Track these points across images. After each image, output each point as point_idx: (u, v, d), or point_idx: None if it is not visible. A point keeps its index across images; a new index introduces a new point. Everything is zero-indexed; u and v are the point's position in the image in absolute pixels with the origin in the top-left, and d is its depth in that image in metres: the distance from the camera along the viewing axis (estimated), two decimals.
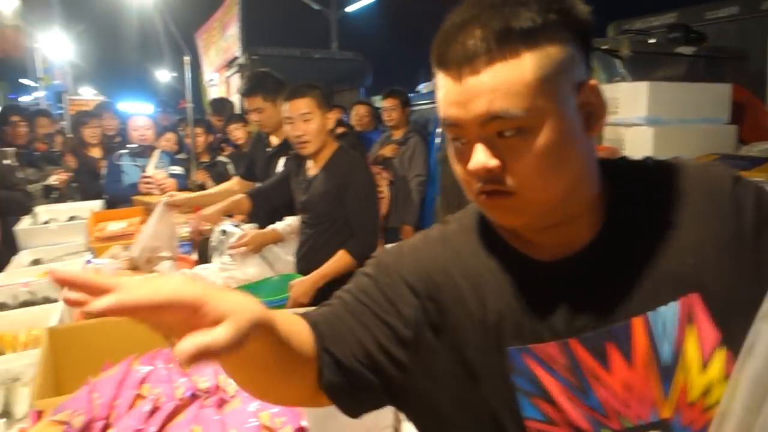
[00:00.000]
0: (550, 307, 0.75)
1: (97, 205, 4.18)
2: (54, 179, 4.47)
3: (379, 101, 9.12)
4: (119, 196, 4.26)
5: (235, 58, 8.10)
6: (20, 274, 2.96)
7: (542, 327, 0.75)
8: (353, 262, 2.52)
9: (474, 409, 0.78)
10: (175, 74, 23.62)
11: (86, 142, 5.05)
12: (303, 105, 2.53)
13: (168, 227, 2.93)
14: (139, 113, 5.22)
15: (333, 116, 2.62)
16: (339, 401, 0.81)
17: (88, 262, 2.93)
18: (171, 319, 0.58)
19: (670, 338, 0.72)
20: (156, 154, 4.38)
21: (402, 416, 1.36)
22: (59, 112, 11.50)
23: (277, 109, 2.95)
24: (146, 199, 4.00)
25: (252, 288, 2.62)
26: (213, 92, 9.92)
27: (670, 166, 0.82)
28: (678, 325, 0.72)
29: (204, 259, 2.96)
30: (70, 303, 0.57)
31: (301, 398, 0.85)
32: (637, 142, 3.18)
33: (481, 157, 0.69)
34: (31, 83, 19.84)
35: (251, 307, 0.61)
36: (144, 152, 4.33)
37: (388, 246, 0.94)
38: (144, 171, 4.25)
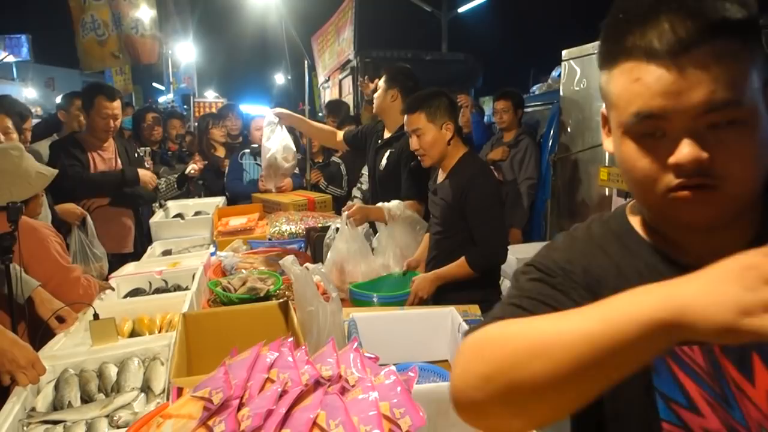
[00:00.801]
0: None
1: (220, 201, 4.45)
2: (190, 168, 4.79)
3: (488, 102, 9.03)
4: (240, 193, 4.51)
5: (348, 61, 8.32)
6: (154, 263, 3.23)
7: None
8: (471, 272, 2.48)
9: (615, 403, 0.79)
10: (289, 77, 24.59)
11: (212, 142, 5.38)
12: (413, 121, 2.57)
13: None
14: (261, 115, 5.50)
15: (451, 126, 2.55)
16: None
17: (212, 254, 3.13)
18: None
19: None
20: None
21: None
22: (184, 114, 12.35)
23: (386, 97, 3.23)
24: (265, 196, 4.22)
25: (375, 283, 2.69)
26: (326, 95, 10.26)
27: None
28: None
29: (318, 255, 3.07)
30: None
31: None
32: None
33: (692, 149, 0.67)
34: (161, 87, 21.45)
35: None
36: (260, 152, 4.55)
37: (539, 251, 0.96)
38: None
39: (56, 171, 2.51)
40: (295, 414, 1.01)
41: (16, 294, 2.06)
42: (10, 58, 18.82)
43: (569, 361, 0.59)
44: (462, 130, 2.77)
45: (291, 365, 1.13)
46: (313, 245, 3.21)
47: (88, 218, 3.42)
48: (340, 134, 3.78)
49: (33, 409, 1.63)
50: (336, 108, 5.91)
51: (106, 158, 3.75)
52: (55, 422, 1.56)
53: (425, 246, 2.85)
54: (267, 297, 2.39)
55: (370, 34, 9.49)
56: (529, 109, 5.36)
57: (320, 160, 5.07)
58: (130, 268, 3.08)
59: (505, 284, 3.38)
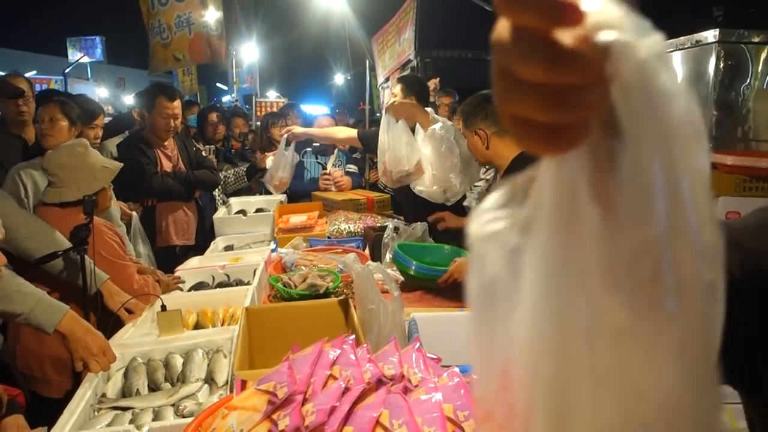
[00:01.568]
0: None
1: (281, 198, 4.52)
2: (260, 158, 4.88)
3: None
4: (301, 191, 4.57)
5: (409, 61, 8.31)
6: (216, 257, 3.31)
7: None
8: None
9: None
10: (349, 77, 24.82)
11: (274, 141, 5.48)
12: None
13: None
14: (323, 114, 5.56)
15: (485, 130, 2.65)
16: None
17: (273, 250, 3.18)
18: None
19: None
20: (335, 152, 4.64)
21: None
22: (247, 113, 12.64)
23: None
24: (324, 195, 4.26)
25: (419, 250, 2.71)
26: (385, 95, 10.28)
27: None
28: None
29: (377, 255, 3.08)
30: None
31: None
32: None
33: None
34: (225, 87, 22.02)
35: None
36: (325, 150, 4.59)
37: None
38: (324, 168, 4.52)
39: (121, 165, 2.61)
40: (357, 412, 1.00)
41: (89, 285, 2.15)
42: (86, 59, 19.67)
43: None
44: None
45: (353, 363, 1.13)
46: (371, 244, 3.22)
47: (135, 217, 3.54)
48: (345, 132, 4.05)
49: (104, 395, 1.69)
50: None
51: (170, 155, 3.87)
52: (124, 409, 1.61)
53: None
54: (327, 294, 2.41)
55: (430, 34, 9.46)
56: None
57: None
58: (194, 262, 3.16)
59: None
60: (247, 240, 3.78)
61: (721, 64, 3.07)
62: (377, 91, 10.91)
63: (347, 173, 4.46)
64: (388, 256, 2.89)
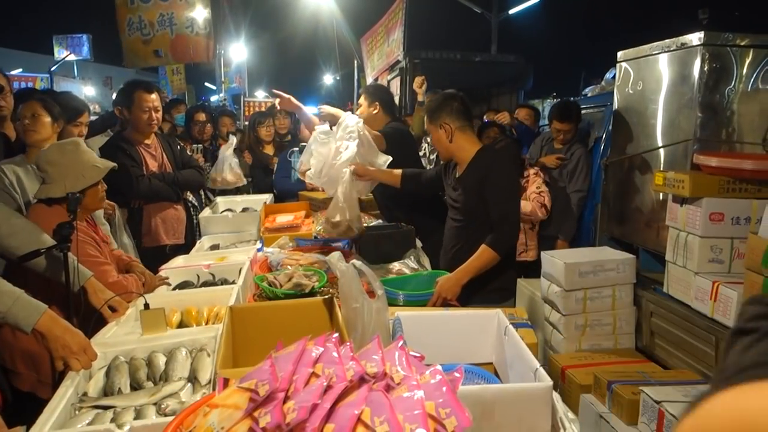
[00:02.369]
0: None
1: (268, 198, 4.51)
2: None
3: (538, 105, 8.88)
4: (287, 191, 4.56)
5: (397, 62, 8.32)
6: (202, 257, 3.29)
7: None
8: (495, 256, 2.68)
9: None
10: (338, 78, 24.81)
11: (261, 140, 5.46)
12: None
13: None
14: (311, 113, 5.55)
15: (449, 125, 2.86)
16: None
17: (259, 250, 3.17)
18: None
19: None
20: None
21: (562, 418, 1.33)
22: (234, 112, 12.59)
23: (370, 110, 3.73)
24: (311, 194, 4.25)
25: (400, 281, 2.70)
26: None
27: None
28: None
29: (363, 254, 3.08)
30: None
31: None
32: None
33: None
34: (213, 87, 21.92)
35: None
36: None
37: None
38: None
39: (112, 164, 2.59)
40: (339, 409, 1.00)
41: (72, 283, 2.13)
42: (72, 57, 19.53)
43: None
44: (473, 128, 3.05)
45: (336, 361, 1.13)
46: (359, 243, 3.22)
47: (117, 211, 3.51)
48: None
49: (85, 394, 1.68)
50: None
51: (154, 154, 3.83)
52: (106, 407, 1.59)
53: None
54: (312, 293, 2.40)
55: (419, 35, 9.48)
56: (581, 112, 5.26)
57: None
58: (179, 261, 3.14)
59: (552, 289, 3.31)
60: (233, 239, 3.77)
61: (706, 67, 3.09)
62: None
63: None
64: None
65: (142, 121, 3.69)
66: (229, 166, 4.80)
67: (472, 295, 2.70)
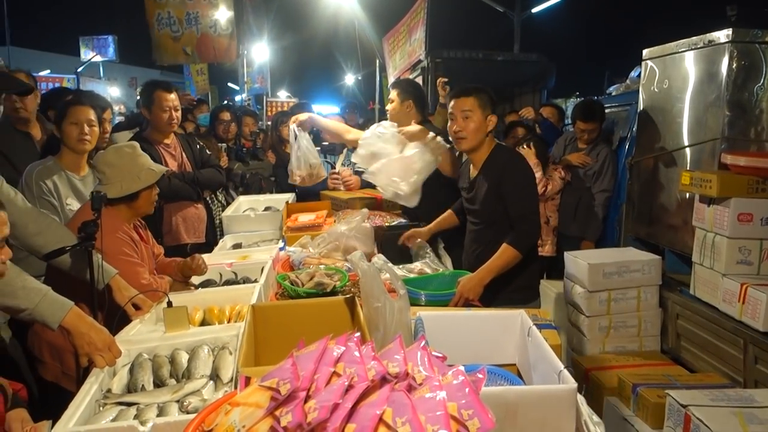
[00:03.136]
0: None
1: (289, 197, 4.52)
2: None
3: (561, 104, 8.78)
4: (309, 190, 4.56)
5: (419, 62, 8.29)
6: (224, 255, 3.31)
7: None
8: (517, 254, 2.65)
9: None
10: (360, 77, 24.86)
11: (284, 140, 5.47)
12: (466, 103, 2.78)
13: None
14: (332, 113, 5.57)
15: (494, 119, 2.80)
16: None
17: (281, 249, 3.18)
18: None
19: None
20: (344, 151, 4.63)
21: (586, 421, 1.31)
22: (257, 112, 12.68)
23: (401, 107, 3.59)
24: (333, 194, 4.26)
25: (422, 281, 2.69)
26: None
27: None
28: None
29: (385, 253, 3.07)
30: None
31: None
32: None
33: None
34: (236, 87, 22.10)
35: None
36: (334, 149, 4.59)
37: None
38: (333, 167, 4.51)
39: (165, 168, 2.69)
40: (360, 409, 0.99)
41: (96, 280, 2.15)
42: (98, 58, 19.83)
43: None
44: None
45: (358, 360, 1.12)
46: (380, 243, 3.22)
47: None
48: (354, 133, 4.05)
49: (109, 391, 1.69)
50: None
51: (174, 154, 3.86)
52: (129, 404, 1.61)
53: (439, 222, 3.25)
54: (333, 292, 2.40)
55: (441, 34, 9.45)
56: (606, 111, 5.19)
57: None
58: None
59: (576, 290, 3.27)
60: (256, 238, 3.78)
61: (734, 64, 3.03)
62: (388, 91, 10.90)
63: (356, 172, 4.45)
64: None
65: (162, 121, 3.72)
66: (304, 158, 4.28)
67: (495, 295, 2.67)
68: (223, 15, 6.57)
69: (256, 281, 2.66)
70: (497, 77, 7.52)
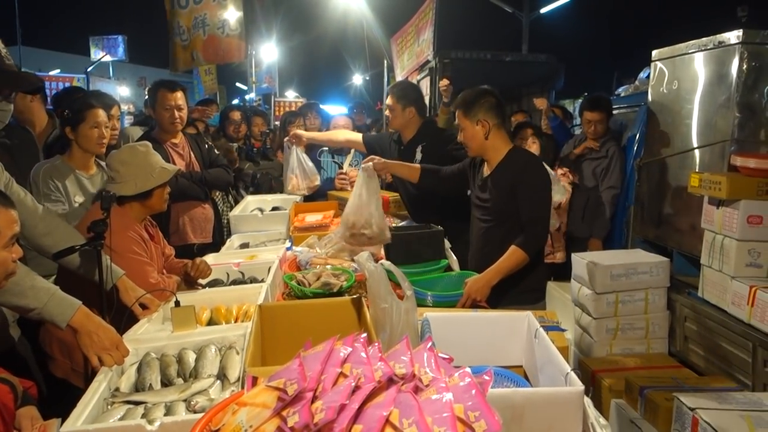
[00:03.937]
0: None
1: (297, 197, 4.53)
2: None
3: (569, 105, 8.76)
4: (317, 191, 4.57)
5: (427, 62, 8.28)
6: (232, 255, 3.32)
7: None
8: (525, 257, 2.67)
9: None
10: (368, 78, 24.87)
11: None
12: (458, 117, 2.90)
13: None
14: (340, 114, 5.58)
15: (487, 123, 2.81)
16: None
17: (288, 249, 3.19)
18: None
19: None
20: (352, 152, 4.63)
21: (593, 424, 1.31)
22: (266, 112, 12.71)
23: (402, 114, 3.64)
24: (340, 194, 4.26)
25: (429, 282, 2.68)
26: None
27: None
28: None
29: (392, 254, 3.07)
30: None
31: None
32: None
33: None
34: (244, 87, 22.15)
35: None
36: (342, 150, 4.59)
37: None
38: (340, 167, 4.52)
39: (178, 168, 2.74)
40: (367, 410, 0.99)
41: (105, 281, 2.16)
42: (107, 58, 19.91)
43: None
44: (506, 127, 3.08)
45: (364, 361, 1.12)
46: (387, 244, 3.21)
47: None
48: (345, 134, 4.24)
49: (117, 389, 1.70)
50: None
51: (182, 153, 3.87)
52: (137, 403, 1.62)
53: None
54: (340, 293, 2.40)
55: (450, 35, 9.43)
56: (614, 112, 5.17)
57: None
58: (209, 259, 3.17)
59: (583, 291, 3.26)
60: (263, 238, 3.79)
61: (745, 66, 3.02)
62: None
63: None
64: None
65: (165, 120, 3.73)
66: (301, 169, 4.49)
67: (502, 296, 2.67)
68: (232, 15, 6.58)
69: (263, 281, 2.67)
70: (505, 78, 7.50)
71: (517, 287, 2.74)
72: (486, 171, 2.92)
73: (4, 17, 20.74)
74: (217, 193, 4.32)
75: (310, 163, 4.43)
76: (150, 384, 1.72)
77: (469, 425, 0.94)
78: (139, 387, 1.72)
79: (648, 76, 4.19)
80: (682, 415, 2.17)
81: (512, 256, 2.66)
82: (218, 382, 1.73)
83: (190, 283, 2.68)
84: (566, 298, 3.63)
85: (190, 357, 1.85)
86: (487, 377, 1.10)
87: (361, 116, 7.28)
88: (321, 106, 7.15)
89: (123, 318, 2.10)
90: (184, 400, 1.61)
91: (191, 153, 3.91)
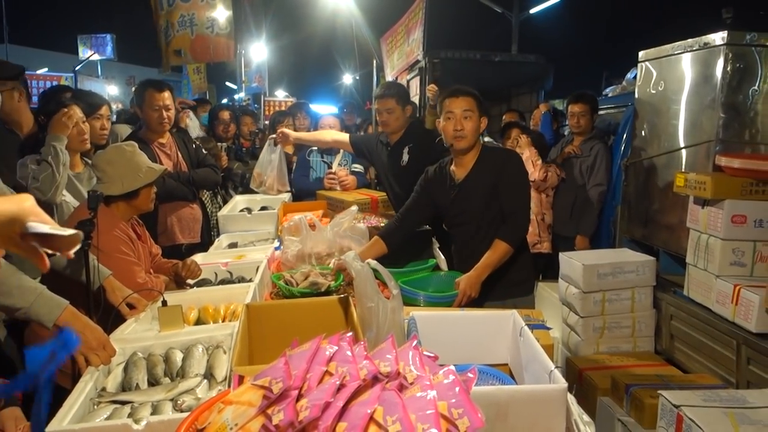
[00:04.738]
0: None
1: (286, 197, 4.53)
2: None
3: (559, 105, 8.81)
4: (306, 190, 4.57)
5: (417, 62, 8.30)
6: (220, 254, 3.31)
7: None
8: (509, 248, 2.68)
9: None
10: (357, 77, 24.85)
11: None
12: (467, 103, 2.77)
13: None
14: (329, 113, 5.58)
15: (486, 121, 2.84)
16: None
17: (276, 248, 3.19)
18: None
19: None
20: (341, 152, 4.64)
21: (576, 421, 1.32)
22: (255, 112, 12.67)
23: (403, 114, 3.66)
24: (329, 193, 4.26)
25: (420, 282, 2.69)
26: None
27: None
28: None
29: None
30: None
31: None
32: None
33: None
34: (234, 86, 22.09)
35: None
36: (331, 149, 4.59)
37: None
38: (329, 167, 4.52)
39: (165, 167, 2.72)
40: (352, 408, 1.00)
41: (92, 281, 2.15)
42: (96, 57, 19.80)
43: None
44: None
45: (350, 359, 1.13)
46: None
47: None
48: (331, 134, 4.28)
49: (103, 389, 1.70)
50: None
51: (169, 153, 3.84)
52: (123, 402, 1.62)
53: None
54: (328, 292, 2.41)
55: (439, 35, 9.43)
56: (602, 112, 5.20)
57: None
58: (197, 259, 3.16)
59: (570, 290, 3.29)
60: (251, 237, 3.79)
61: (730, 67, 3.05)
62: None
63: (352, 173, 4.46)
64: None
65: (153, 120, 3.70)
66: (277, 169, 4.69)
67: (490, 289, 2.67)
68: (221, 14, 6.58)
69: (251, 281, 2.67)
70: (495, 78, 7.52)
71: (507, 280, 2.75)
72: (459, 173, 2.85)
73: None
74: (206, 193, 4.30)
75: (285, 169, 4.62)
76: (137, 384, 1.72)
77: (453, 422, 0.96)
78: (125, 386, 1.72)
79: (635, 77, 4.22)
80: (667, 412, 2.20)
81: (497, 249, 2.66)
82: (205, 381, 1.73)
83: (179, 282, 2.68)
84: (554, 297, 3.65)
85: (177, 356, 1.85)
86: (471, 375, 1.11)
87: (351, 116, 7.29)
88: (311, 106, 7.16)
89: (110, 318, 2.09)
90: (171, 400, 1.61)
91: (179, 153, 3.89)
